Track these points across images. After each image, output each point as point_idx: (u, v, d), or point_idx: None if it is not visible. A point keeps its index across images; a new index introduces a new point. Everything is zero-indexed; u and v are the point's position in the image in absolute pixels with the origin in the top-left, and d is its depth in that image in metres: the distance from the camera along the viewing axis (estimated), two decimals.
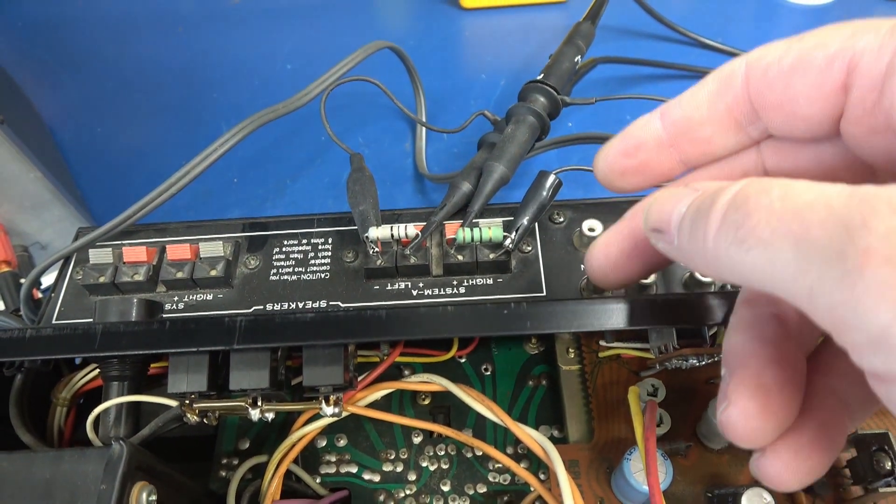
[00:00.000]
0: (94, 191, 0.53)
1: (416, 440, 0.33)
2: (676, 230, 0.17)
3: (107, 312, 0.28)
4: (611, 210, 0.34)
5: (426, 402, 0.34)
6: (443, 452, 0.32)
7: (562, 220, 0.34)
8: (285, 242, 0.35)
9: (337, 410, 0.28)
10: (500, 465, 0.32)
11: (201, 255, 0.33)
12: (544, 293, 0.32)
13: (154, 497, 0.24)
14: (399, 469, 0.32)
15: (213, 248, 0.33)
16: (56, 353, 0.26)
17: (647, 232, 0.19)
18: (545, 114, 0.38)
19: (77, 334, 0.25)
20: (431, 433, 0.33)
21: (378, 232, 0.31)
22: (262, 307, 0.32)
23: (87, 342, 0.25)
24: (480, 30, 0.64)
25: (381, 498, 0.31)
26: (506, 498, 0.31)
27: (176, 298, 0.33)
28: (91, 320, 0.30)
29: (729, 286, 0.31)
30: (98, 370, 0.32)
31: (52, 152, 0.55)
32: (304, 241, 0.35)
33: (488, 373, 0.35)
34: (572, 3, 0.65)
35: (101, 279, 0.33)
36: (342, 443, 0.33)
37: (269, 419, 0.28)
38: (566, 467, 0.27)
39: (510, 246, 0.31)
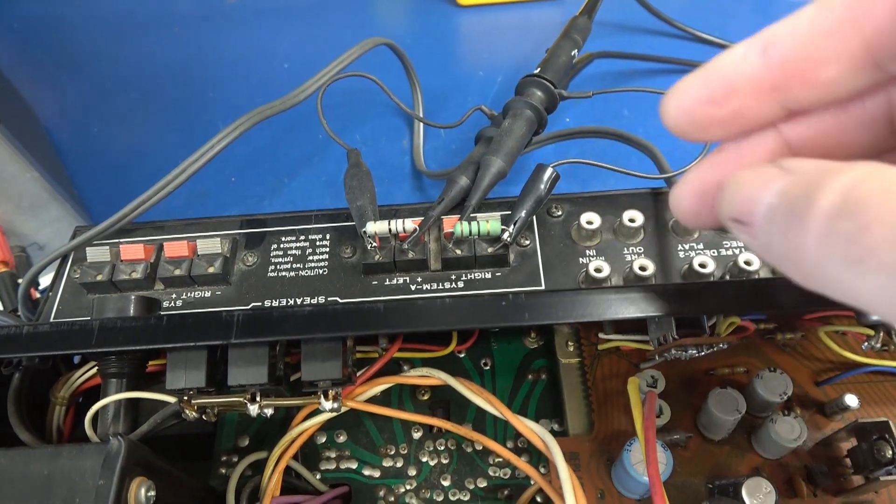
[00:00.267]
0: (91, 191, 0.53)
1: (416, 435, 0.33)
2: (763, 225, 0.14)
3: (104, 309, 0.28)
4: (609, 203, 0.34)
5: (425, 396, 0.34)
6: (443, 447, 0.32)
7: (560, 213, 0.34)
8: (283, 239, 0.35)
9: (336, 405, 0.28)
10: (500, 460, 0.32)
11: (199, 253, 0.33)
12: (543, 286, 0.32)
13: (152, 493, 0.24)
14: (399, 464, 0.32)
15: (211, 245, 0.33)
16: (53, 350, 0.25)
17: (723, 221, 0.15)
18: (542, 108, 0.38)
19: (74, 330, 0.25)
20: (431, 428, 0.33)
21: (376, 227, 0.31)
22: (260, 304, 0.32)
23: (85, 338, 0.25)
24: (477, 26, 0.64)
25: (382, 493, 0.31)
26: (506, 492, 0.31)
27: (174, 295, 0.33)
28: (88, 318, 0.30)
29: (729, 276, 0.31)
30: (96, 368, 0.32)
31: (49, 152, 0.54)
32: (302, 237, 0.35)
33: (487, 367, 0.35)
34: None
35: (99, 277, 0.32)
36: (342, 439, 0.33)
37: (269, 415, 0.28)
38: (566, 460, 0.27)
39: (508, 239, 0.31)
